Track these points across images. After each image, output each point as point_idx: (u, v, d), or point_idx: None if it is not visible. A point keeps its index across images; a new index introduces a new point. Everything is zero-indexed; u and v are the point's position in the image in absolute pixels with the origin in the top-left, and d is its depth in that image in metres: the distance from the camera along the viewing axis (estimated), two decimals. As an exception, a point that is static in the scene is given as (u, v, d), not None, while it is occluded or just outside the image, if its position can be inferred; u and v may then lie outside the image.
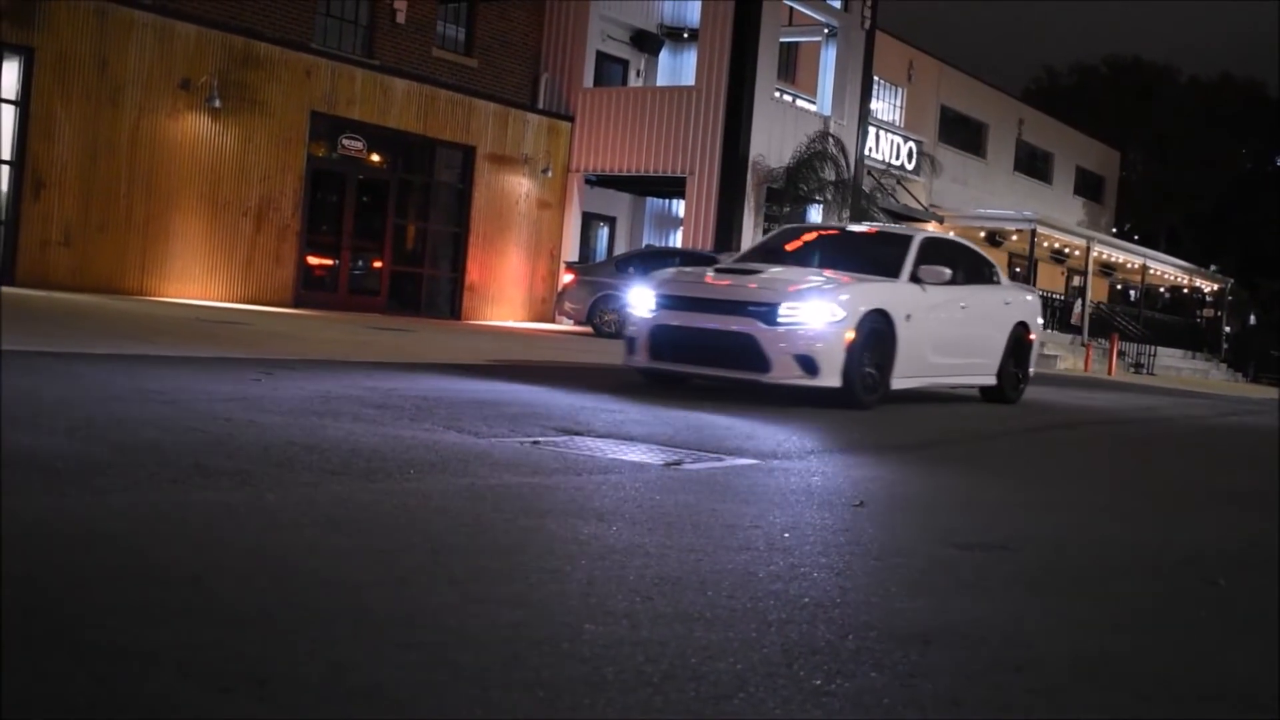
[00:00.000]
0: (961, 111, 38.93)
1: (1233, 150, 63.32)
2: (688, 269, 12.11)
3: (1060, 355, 32.08)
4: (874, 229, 13.49)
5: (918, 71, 36.31)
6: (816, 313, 9.98)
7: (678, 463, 6.32)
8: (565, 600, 3.37)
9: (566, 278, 22.93)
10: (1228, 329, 50.03)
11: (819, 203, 26.99)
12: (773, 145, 25.79)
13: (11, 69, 17.38)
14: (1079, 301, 37.98)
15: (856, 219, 27.65)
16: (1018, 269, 38.86)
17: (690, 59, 28.03)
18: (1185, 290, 50.35)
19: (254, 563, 3.48)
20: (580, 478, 5.59)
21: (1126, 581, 4.47)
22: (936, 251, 11.83)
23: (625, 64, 29.81)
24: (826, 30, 28.73)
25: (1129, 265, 42.95)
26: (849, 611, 3.53)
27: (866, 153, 29.93)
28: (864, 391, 10.32)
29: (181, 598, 3.05)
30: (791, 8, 27.74)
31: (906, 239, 11.78)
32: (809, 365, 9.93)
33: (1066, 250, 39.26)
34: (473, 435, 6.60)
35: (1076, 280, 41.46)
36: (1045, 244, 36.99)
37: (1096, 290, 41.79)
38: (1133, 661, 3.32)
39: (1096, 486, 7.56)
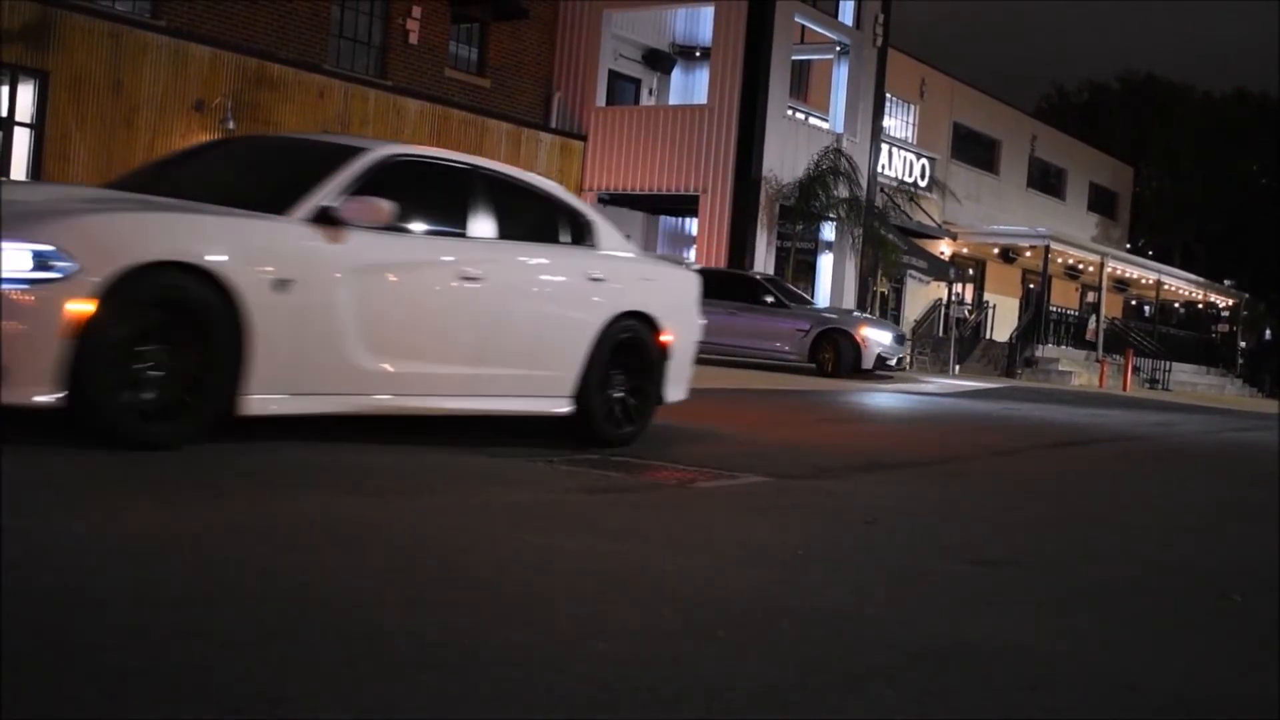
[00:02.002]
0: (974, 128, 38.90)
1: (1247, 164, 63.18)
2: None
3: (1075, 371, 32.01)
4: (311, 138, 8.86)
5: (930, 88, 36.33)
6: None
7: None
8: (578, 618, 3.36)
9: None
10: (1243, 344, 49.85)
11: (832, 219, 26.98)
12: (785, 163, 25.80)
13: (26, 92, 17.48)
14: (1093, 318, 37.88)
15: (869, 235, 27.61)
16: (1032, 285, 38.82)
17: (703, 77, 28.06)
18: (1200, 305, 50.19)
19: (267, 582, 3.48)
20: (593, 496, 5.58)
21: (1142, 598, 4.45)
22: (409, 180, 6.98)
23: (638, 82, 29.87)
24: (839, 48, 28.76)
25: (1143, 281, 42.84)
26: (863, 627, 3.51)
27: (879, 169, 29.94)
28: (128, 419, 5.45)
29: (194, 617, 3.05)
30: (804, 26, 27.77)
31: (346, 152, 6.83)
32: None
33: (1081, 266, 39.17)
34: (487, 454, 6.60)
35: (1091, 296, 41.35)
36: (1059, 260, 36.91)
37: (1111, 306, 41.67)
38: (1149, 679, 3.30)
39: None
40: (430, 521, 4.62)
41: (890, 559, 4.72)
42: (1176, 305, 50.22)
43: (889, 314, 30.80)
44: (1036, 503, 7.11)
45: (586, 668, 2.89)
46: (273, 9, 21.42)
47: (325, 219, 6.24)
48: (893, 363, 20.76)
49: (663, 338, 8.05)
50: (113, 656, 2.69)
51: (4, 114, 17.29)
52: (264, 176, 7.02)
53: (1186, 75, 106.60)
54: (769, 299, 20.72)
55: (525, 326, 7.30)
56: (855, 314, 22.96)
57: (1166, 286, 43.54)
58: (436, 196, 7.18)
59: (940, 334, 32.08)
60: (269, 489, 5.01)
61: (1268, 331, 56.35)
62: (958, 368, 28.95)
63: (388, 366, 6.50)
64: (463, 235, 7.08)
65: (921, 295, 34.70)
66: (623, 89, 29.33)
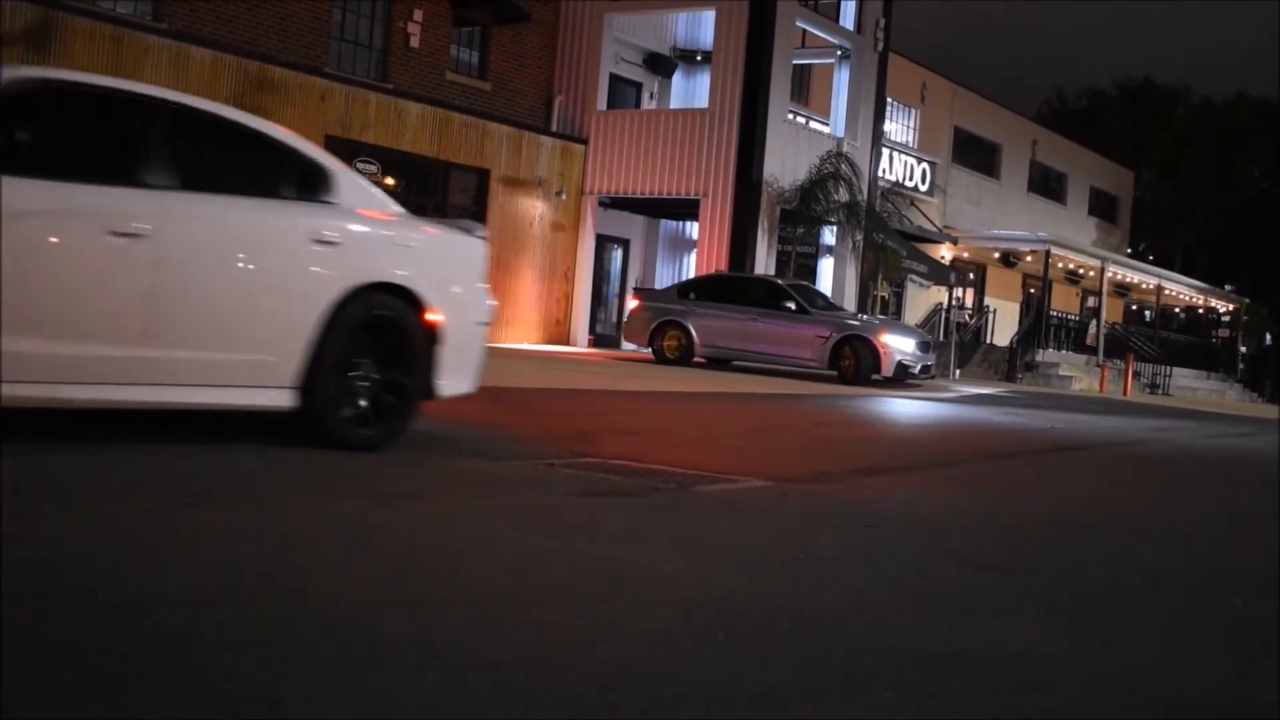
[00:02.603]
0: (975, 132, 38.92)
1: (1248, 168, 63.20)
2: None
3: (1075, 376, 32.01)
4: None
5: (931, 93, 36.34)
6: None
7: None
8: (579, 619, 3.36)
9: (632, 304, 22.97)
10: (1243, 349, 49.83)
11: (832, 224, 26.99)
12: (786, 167, 25.80)
13: (29, 94, 17.50)
14: (1094, 322, 37.88)
15: (869, 240, 27.64)
16: (1032, 290, 38.81)
17: (703, 81, 28.08)
18: (1200, 310, 50.19)
19: (268, 585, 3.48)
20: (594, 499, 5.58)
21: (1142, 601, 4.45)
22: (53, 112, 5.71)
23: (639, 86, 29.88)
24: (840, 52, 28.78)
25: (1144, 286, 42.83)
26: (864, 630, 3.51)
27: (880, 173, 29.95)
28: None
29: (195, 620, 3.05)
30: (805, 30, 27.80)
31: None
32: None
33: (1081, 271, 39.16)
34: (489, 458, 6.60)
35: (1091, 301, 41.34)
36: (1060, 265, 36.89)
37: (1111, 311, 41.66)
38: (1149, 681, 3.30)
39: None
40: (432, 524, 4.62)
41: (890, 562, 4.72)
42: (1177, 310, 50.22)
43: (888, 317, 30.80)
44: (1037, 506, 7.11)
45: (587, 669, 2.90)
46: (274, 12, 21.43)
47: None
48: (917, 370, 20.16)
49: (429, 317, 6.61)
50: (113, 657, 2.69)
51: (5, 116, 17.31)
52: None
53: (1186, 79, 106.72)
54: (790, 305, 20.52)
55: (217, 298, 5.88)
56: (876, 320, 22.65)
57: (1167, 291, 43.54)
58: (91, 133, 5.88)
59: (941, 338, 32.10)
60: (267, 492, 5.02)
61: (1268, 336, 56.34)
62: (958, 372, 28.93)
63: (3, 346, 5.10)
64: (126, 183, 5.62)
65: (922, 299, 34.70)
66: (624, 92, 29.35)
